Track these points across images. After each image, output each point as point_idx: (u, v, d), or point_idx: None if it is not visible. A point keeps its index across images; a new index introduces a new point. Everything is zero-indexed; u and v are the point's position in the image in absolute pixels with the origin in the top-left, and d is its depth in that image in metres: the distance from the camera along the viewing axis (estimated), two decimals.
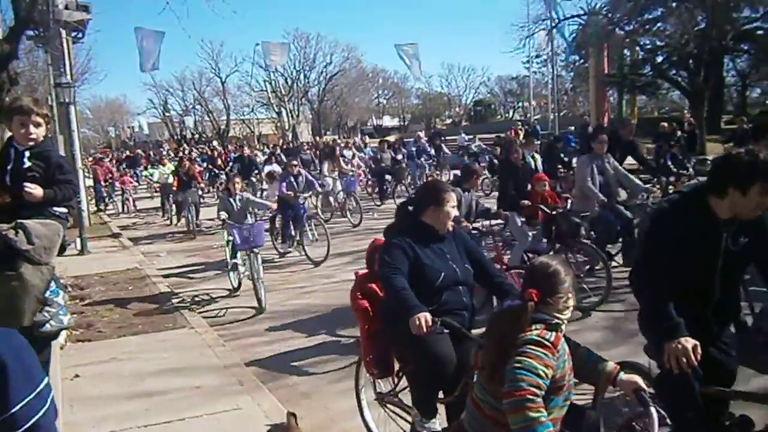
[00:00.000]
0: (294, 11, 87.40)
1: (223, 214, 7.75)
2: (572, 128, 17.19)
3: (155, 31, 18.88)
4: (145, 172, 21.34)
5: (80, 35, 13.93)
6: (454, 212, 3.39)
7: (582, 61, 43.78)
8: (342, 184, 14.42)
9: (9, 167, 3.14)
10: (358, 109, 64.99)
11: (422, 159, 17.23)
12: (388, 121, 74.10)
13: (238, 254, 7.70)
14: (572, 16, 23.18)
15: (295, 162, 11.27)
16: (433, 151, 17.77)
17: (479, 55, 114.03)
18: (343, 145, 20.04)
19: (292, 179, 10.31)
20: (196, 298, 7.89)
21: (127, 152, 39.97)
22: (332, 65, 57.77)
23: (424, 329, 2.92)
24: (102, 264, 9.70)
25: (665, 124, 16.50)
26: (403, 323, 2.99)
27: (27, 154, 3.17)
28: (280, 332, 6.29)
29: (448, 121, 73.47)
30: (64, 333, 5.84)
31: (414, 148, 17.80)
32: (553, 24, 24.28)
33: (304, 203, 10.22)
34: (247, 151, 18.18)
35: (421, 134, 19.29)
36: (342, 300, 6.85)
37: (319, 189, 11.96)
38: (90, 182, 18.41)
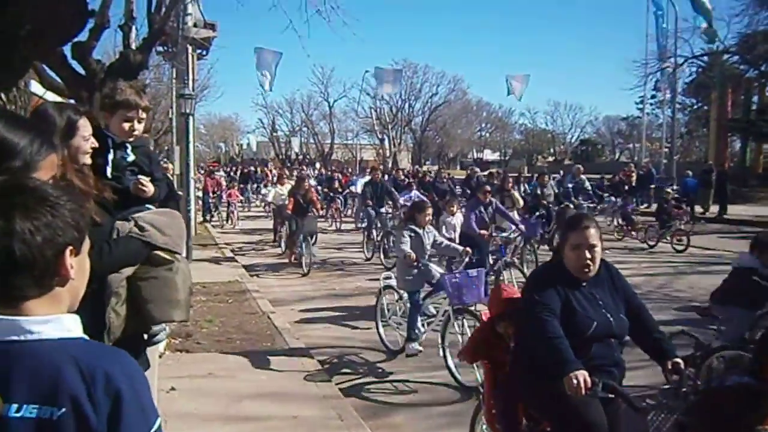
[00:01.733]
0: (404, 42, 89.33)
1: (409, 252, 5.88)
2: (689, 173, 16.03)
3: (274, 51, 19.55)
4: (263, 190, 20.66)
5: (204, 52, 14.54)
6: (586, 255, 2.90)
7: (699, 104, 41.59)
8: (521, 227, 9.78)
9: (110, 159, 2.84)
10: (459, 140, 64.74)
11: (580, 198, 14.29)
12: (489, 155, 73.34)
13: (429, 302, 6.28)
14: (701, 55, 21.85)
15: (488, 188, 9.22)
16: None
17: (587, 94, 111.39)
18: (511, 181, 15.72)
19: (482, 210, 8.57)
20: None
21: (242, 167, 40.67)
22: (437, 96, 58.11)
23: (583, 391, 2.49)
24: (205, 274, 9.81)
25: None
26: (550, 378, 2.61)
27: (129, 147, 2.91)
28: (387, 363, 5.95)
29: (551, 159, 71.73)
30: (164, 341, 5.83)
31: (571, 185, 14.84)
32: (679, 63, 22.99)
33: (503, 245, 8.48)
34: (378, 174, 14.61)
35: (581, 168, 16.33)
36: None
37: (522, 227, 9.17)
38: (199, 193, 19.10)
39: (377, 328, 6.40)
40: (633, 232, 14.38)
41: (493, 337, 3.22)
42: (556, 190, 14.01)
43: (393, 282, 6.33)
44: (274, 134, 64.71)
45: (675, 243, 12.78)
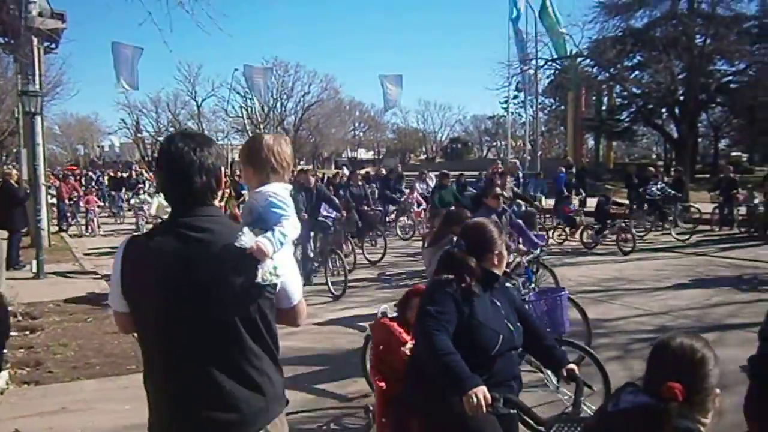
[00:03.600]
0: (274, 40, 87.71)
1: None
2: (562, 168, 16.95)
3: (134, 46, 18.21)
4: (134, 199, 17.44)
5: (53, 46, 13.25)
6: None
7: (558, 104, 44.42)
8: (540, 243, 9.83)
9: None
10: (333, 140, 64.77)
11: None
12: (363, 154, 74.06)
13: None
14: (558, 58, 23.23)
15: (499, 191, 6.99)
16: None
17: (456, 93, 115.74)
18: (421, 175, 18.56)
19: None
20: None
21: (112, 171, 36.08)
22: (310, 95, 57.72)
23: (483, 409, 2.31)
24: (60, 290, 8.86)
25: (652, 168, 16.45)
26: (446, 396, 2.46)
27: None
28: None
29: (423, 156, 73.74)
30: (4, 374, 5.09)
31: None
32: (539, 65, 24.34)
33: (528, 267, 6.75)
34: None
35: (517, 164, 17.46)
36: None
37: (541, 243, 7.40)
38: (54, 200, 17.51)
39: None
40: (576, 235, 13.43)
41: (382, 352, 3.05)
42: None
43: None
44: (139, 135, 61.25)
45: (621, 244, 12.06)
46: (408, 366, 2.88)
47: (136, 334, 2.22)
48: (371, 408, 3.28)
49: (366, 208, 13.95)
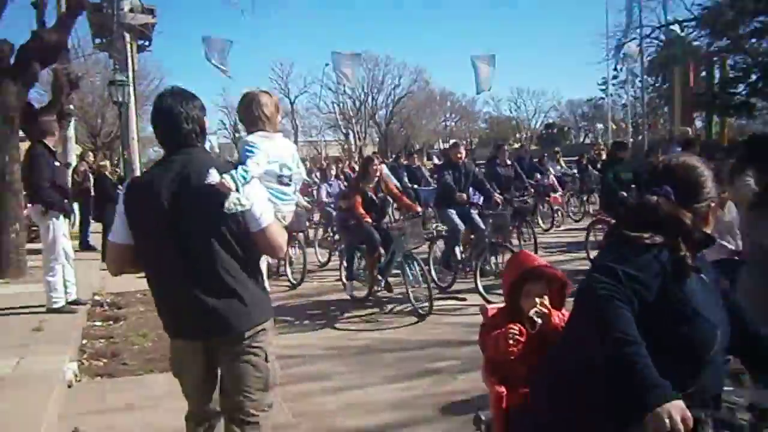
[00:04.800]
0: (363, 33, 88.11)
1: None
2: (678, 146, 15.60)
3: (223, 39, 18.52)
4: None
5: (147, 43, 13.55)
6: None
7: (660, 83, 41.64)
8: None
9: None
10: (425, 131, 64.14)
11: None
12: None
13: None
14: (669, 23, 21.40)
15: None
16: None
17: (549, 78, 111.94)
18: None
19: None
20: None
21: None
22: (400, 87, 57.54)
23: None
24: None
25: None
26: (615, 412, 1.69)
27: None
28: (347, 375, 5.15)
29: (516, 145, 71.71)
30: (74, 365, 4.95)
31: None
32: (647, 33, 22.52)
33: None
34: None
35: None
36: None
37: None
38: None
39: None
40: None
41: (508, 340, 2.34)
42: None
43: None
44: (237, 135, 63.36)
45: None
46: (542, 365, 2.14)
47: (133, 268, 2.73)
48: (483, 418, 2.49)
49: (517, 193, 10.39)
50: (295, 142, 59.34)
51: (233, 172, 2.52)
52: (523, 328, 2.34)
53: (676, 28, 26.18)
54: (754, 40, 26.30)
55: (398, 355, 5.52)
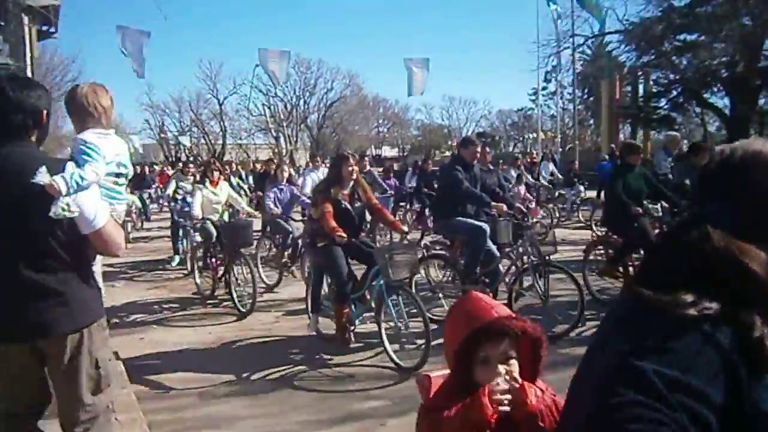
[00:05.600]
0: (296, 38, 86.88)
1: None
2: (606, 156, 15.80)
3: (139, 30, 17.24)
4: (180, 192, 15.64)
5: (52, 29, 12.34)
6: None
7: (587, 95, 42.73)
8: None
9: None
10: (357, 137, 63.68)
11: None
12: (387, 151, 72.97)
13: None
14: (605, 33, 21.60)
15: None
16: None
17: (480, 88, 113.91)
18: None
19: None
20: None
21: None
22: (333, 92, 56.86)
23: None
24: None
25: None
26: None
27: None
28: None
29: (447, 153, 72.42)
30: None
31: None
32: (580, 42, 22.73)
33: None
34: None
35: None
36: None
37: None
38: None
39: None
40: None
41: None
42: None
43: None
44: (162, 136, 60.95)
45: None
46: None
47: None
48: None
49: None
50: (223, 144, 57.89)
51: (65, 175, 2.36)
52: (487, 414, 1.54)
53: (608, 39, 26.71)
54: (674, 58, 27.17)
55: None
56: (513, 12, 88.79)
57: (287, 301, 7.89)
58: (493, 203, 6.58)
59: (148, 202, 18.91)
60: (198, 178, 9.73)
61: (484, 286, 6.46)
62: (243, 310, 7.12)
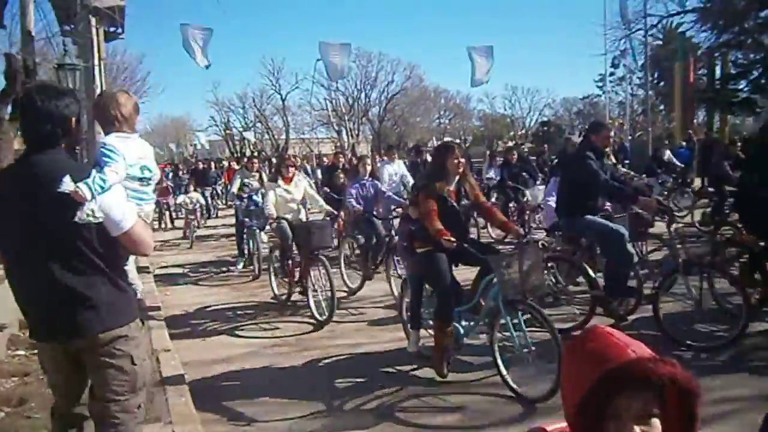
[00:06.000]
0: (356, 30, 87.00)
1: None
2: (682, 143, 14.84)
3: (202, 27, 17.50)
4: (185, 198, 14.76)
5: (119, 30, 12.59)
6: None
7: (657, 79, 40.90)
8: None
9: None
10: (418, 129, 63.23)
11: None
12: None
13: None
14: (676, 13, 20.44)
15: None
16: None
17: (544, 76, 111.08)
18: None
19: None
20: None
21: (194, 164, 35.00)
22: (394, 84, 56.59)
23: None
24: None
25: None
26: None
27: None
28: None
29: (511, 143, 70.97)
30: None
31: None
32: (653, 23, 21.48)
33: None
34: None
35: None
36: None
37: None
38: None
39: None
40: None
41: None
42: None
43: None
44: (228, 132, 62.30)
45: None
46: None
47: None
48: None
49: None
50: (287, 139, 58.65)
51: (89, 180, 2.46)
52: None
53: (681, 19, 25.37)
54: (754, 37, 25.57)
55: None
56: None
57: (370, 307, 7.38)
58: (641, 197, 5.76)
59: (212, 198, 19.21)
60: (268, 174, 9.70)
61: (626, 295, 5.77)
62: (321, 318, 6.66)
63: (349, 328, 6.62)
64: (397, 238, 7.48)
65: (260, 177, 10.31)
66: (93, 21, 10.16)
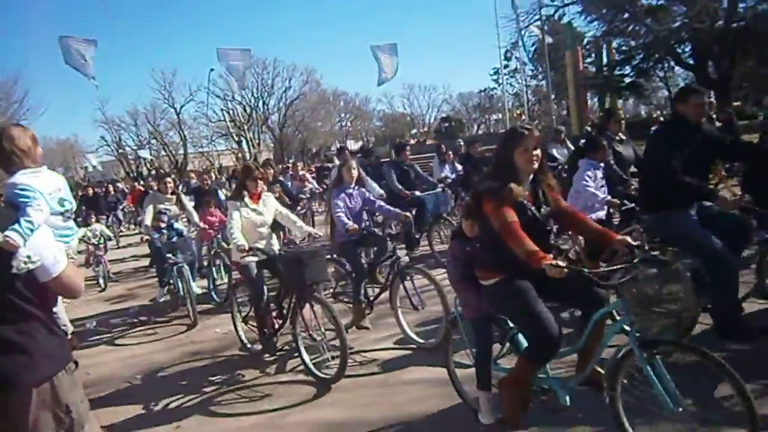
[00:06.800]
0: (249, 37, 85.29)
1: None
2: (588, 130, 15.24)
3: (86, 39, 16.18)
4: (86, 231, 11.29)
5: None
6: None
7: (543, 71, 42.67)
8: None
9: None
10: (321, 133, 62.83)
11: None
12: (352, 145, 72.29)
13: None
14: (567, 4, 21.33)
15: None
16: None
17: (439, 73, 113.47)
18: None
19: None
20: None
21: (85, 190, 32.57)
22: (291, 90, 55.91)
23: None
24: None
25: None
26: None
27: None
28: None
29: (413, 141, 71.99)
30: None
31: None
32: (550, 13, 22.22)
33: None
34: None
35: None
36: None
37: None
38: None
39: None
40: None
41: None
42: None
43: None
44: (121, 152, 59.26)
45: None
46: None
47: None
48: None
49: None
50: (185, 154, 56.45)
51: (16, 226, 2.34)
52: None
53: (565, 10, 26.48)
54: (633, 26, 27.07)
55: None
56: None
57: (381, 349, 5.64)
58: (721, 194, 4.61)
59: (113, 226, 16.84)
60: (229, 191, 8.07)
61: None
62: (325, 375, 5.01)
63: (367, 394, 4.70)
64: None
65: (178, 199, 8.39)
66: None
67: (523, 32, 25.42)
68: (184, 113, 54.95)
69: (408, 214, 6.93)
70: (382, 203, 6.80)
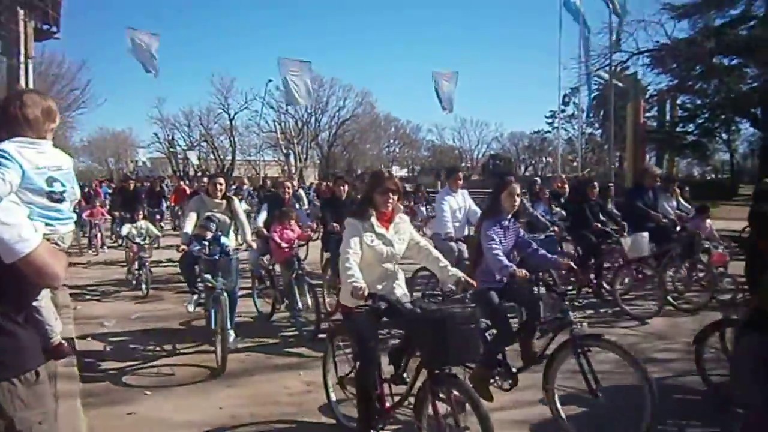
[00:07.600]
0: (309, 53, 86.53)
1: None
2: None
3: (150, 32, 16.32)
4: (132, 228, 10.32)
5: (54, 29, 11.35)
6: None
7: (603, 119, 41.71)
8: None
9: None
10: (368, 156, 62.82)
11: None
12: (396, 171, 72.12)
13: None
14: (656, 49, 20.63)
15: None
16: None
17: (492, 111, 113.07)
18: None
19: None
20: None
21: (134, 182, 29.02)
22: (345, 110, 56.12)
23: None
24: None
25: None
26: None
27: None
28: None
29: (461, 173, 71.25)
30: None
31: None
32: (623, 59, 21.48)
33: None
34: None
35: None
36: None
37: None
38: None
39: None
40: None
41: None
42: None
43: None
44: (171, 150, 60.26)
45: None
46: None
47: None
48: None
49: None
50: (233, 159, 57.08)
51: None
52: None
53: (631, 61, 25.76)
54: (702, 84, 26.16)
55: None
56: (529, 28, 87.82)
57: None
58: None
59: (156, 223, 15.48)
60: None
61: None
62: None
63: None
64: None
65: (229, 206, 7.03)
66: (21, 13, 8.93)
67: (590, 77, 24.65)
68: (237, 120, 55.68)
69: (571, 263, 4.85)
70: (538, 247, 4.98)
